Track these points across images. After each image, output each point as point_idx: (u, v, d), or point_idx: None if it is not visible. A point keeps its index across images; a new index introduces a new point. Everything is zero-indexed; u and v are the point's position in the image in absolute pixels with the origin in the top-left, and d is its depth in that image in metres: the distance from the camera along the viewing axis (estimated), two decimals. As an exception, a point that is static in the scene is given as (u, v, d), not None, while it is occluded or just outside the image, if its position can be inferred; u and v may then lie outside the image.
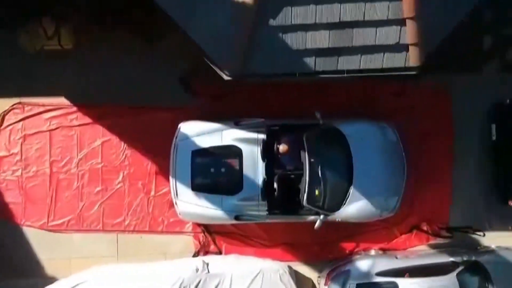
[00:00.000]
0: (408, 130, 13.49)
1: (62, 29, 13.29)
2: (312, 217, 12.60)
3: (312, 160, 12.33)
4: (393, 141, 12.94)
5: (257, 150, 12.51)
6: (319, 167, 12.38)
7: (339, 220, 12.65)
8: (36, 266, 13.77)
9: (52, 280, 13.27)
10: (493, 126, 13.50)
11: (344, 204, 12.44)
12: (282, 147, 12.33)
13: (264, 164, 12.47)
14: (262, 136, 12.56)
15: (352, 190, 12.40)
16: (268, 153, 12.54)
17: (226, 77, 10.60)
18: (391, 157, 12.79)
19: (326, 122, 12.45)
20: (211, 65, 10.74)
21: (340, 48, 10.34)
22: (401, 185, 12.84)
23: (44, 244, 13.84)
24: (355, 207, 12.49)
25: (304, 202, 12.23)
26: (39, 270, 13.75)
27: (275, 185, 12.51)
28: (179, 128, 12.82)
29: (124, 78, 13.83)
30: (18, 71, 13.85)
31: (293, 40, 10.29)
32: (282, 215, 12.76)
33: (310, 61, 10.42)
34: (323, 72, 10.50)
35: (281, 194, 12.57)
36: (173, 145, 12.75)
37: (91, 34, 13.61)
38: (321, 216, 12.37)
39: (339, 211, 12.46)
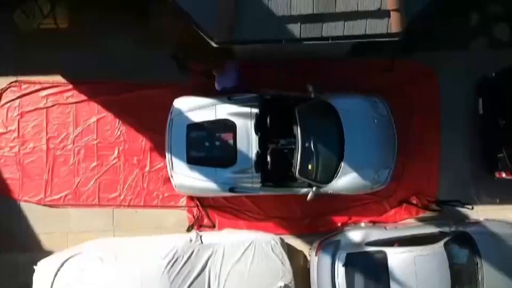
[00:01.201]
0: (396, 106, 13.54)
1: (58, 8, 13.46)
2: (304, 190, 12.79)
3: (304, 133, 12.52)
4: (384, 114, 13.09)
5: (251, 124, 12.71)
6: (311, 140, 12.59)
7: (331, 192, 12.84)
8: (34, 241, 13.88)
9: (49, 253, 13.44)
10: (480, 100, 13.62)
11: (336, 176, 12.63)
12: None
13: (257, 137, 12.66)
14: (255, 110, 12.74)
15: (343, 162, 12.59)
16: (261, 126, 12.73)
17: (214, 44, 10.70)
18: (382, 131, 12.95)
19: (317, 96, 12.67)
20: (200, 33, 10.83)
21: (324, 14, 10.46)
22: (392, 158, 12.99)
23: (41, 219, 13.96)
24: (347, 179, 12.68)
25: (297, 174, 12.43)
26: (36, 244, 13.88)
27: (268, 158, 12.74)
28: (174, 103, 13.01)
29: (118, 56, 13.99)
30: (14, 50, 14.04)
31: (278, 6, 10.43)
32: (275, 187, 12.95)
33: (295, 27, 10.56)
34: (309, 38, 10.63)
35: (275, 167, 12.79)
36: (168, 120, 12.94)
37: (86, 12, 13.75)
38: (314, 188, 12.59)
39: (331, 183, 12.65)
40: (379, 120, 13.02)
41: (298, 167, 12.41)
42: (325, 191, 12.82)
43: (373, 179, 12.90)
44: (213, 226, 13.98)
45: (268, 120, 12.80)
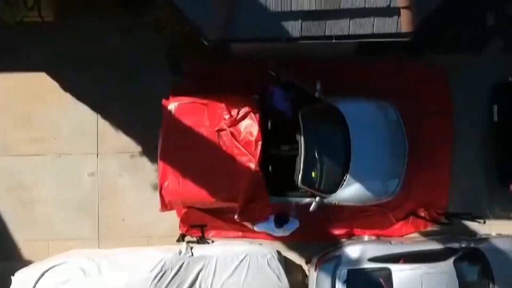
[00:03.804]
0: (406, 111, 12.90)
1: (43, 0, 12.94)
2: (307, 200, 12.11)
3: (307, 139, 11.90)
4: (394, 120, 12.50)
5: (250, 128, 12.06)
6: (315, 146, 11.96)
7: (336, 203, 12.21)
8: (12, 248, 13.36)
9: (28, 263, 12.90)
10: (495, 107, 13.12)
11: (342, 186, 11.97)
12: None
13: None
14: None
15: (350, 172, 11.92)
16: (262, 132, 11.96)
17: (206, 43, 10.19)
18: (392, 138, 12.35)
19: (322, 98, 12.02)
20: (194, 32, 10.30)
21: (327, 11, 9.91)
22: (401, 168, 12.38)
23: (21, 225, 13.42)
24: (353, 189, 12.01)
25: (299, 183, 11.83)
26: (15, 252, 13.36)
27: (269, 165, 12.06)
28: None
29: (107, 53, 13.48)
30: (-4, 45, 13.43)
31: (278, 1, 9.87)
32: (276, 196, 12.19)
33: (295, 25, 10.02)
34: (310, 37, 10.07)
35: (275, 175, 12.12)
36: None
37: (73, 5, 13.24)
38: (317, 198, 11.95)
39: (336, 193, 12.00)
40: (389, 126, 12.42)
41: (300, 175, 11.81)
42: (329, 202, 12.18)
43: (381, 189, 12.29)
44: (203, 237, 13.22)
45: (269, 123, 12.13)
